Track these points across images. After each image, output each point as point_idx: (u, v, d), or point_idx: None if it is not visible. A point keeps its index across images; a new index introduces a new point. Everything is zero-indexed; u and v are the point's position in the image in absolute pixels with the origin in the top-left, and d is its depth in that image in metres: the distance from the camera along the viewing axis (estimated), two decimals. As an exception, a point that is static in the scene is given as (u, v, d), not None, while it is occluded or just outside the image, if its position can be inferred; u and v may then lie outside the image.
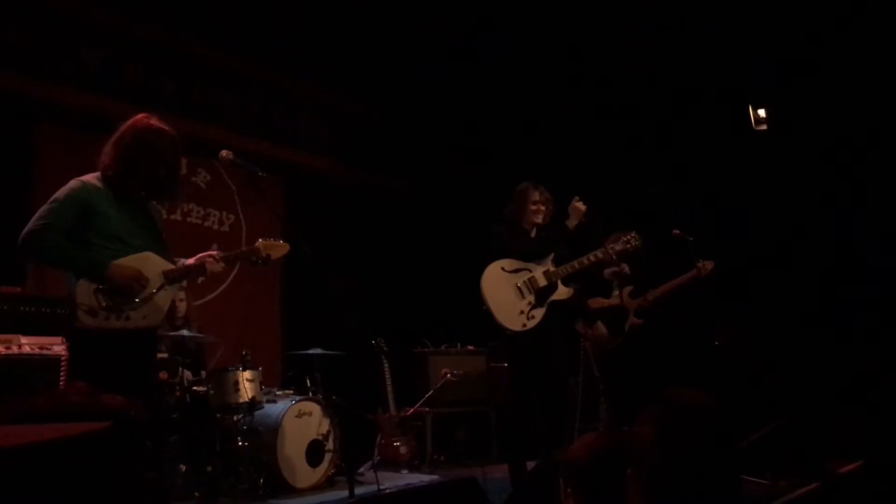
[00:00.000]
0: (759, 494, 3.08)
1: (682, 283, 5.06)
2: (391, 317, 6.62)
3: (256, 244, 3.50)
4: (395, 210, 7.56)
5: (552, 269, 4.54)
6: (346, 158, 7.40)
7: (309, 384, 5.49)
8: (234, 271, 6.30)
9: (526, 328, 4.43)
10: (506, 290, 4.47)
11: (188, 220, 6.21)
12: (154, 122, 3.18)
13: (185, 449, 4.60)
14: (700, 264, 4.88)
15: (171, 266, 3.22)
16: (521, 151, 7.15)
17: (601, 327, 5.15)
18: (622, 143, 6.74)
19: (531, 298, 4.48)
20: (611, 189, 6.06)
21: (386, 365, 6.12)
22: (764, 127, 6.23)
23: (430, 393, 6.28)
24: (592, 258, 4.55)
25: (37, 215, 3.01)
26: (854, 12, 5.56)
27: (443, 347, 6.75)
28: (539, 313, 4.47)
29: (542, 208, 4.66)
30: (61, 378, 3.93)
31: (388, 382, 6.13)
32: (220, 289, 6.30)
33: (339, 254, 6.33)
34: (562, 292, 4.56)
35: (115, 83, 5.71)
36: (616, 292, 5.15)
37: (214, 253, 3.40)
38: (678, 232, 4.79)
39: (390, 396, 6.12)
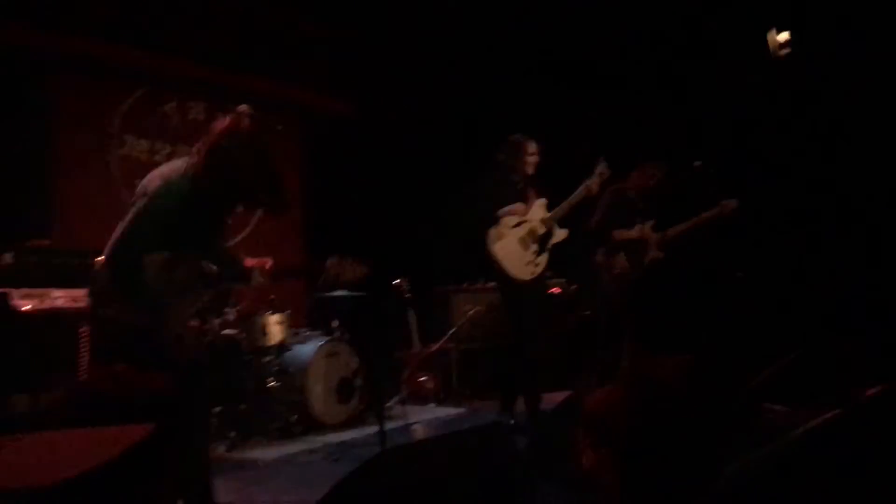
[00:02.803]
0: (780, 422, 3.13)
1: (705, 221, 5.03)
2: (412, 256, 6.64)
3: (327, 263, 3.28)
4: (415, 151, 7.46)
5: (546, 215, 4.69)
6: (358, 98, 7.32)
7: (336, 325, 5.59)
8: (255, 218, 6.33)
9: (534, 276, 4.73)
10: (512, 245, 4.72)
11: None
12: (245, 126, 2.75)
13: (218, 391, 4.73)
14: (723, 203, 4.84)
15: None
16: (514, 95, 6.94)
17: (622, 258, 5.17)
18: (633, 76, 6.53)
19: (535, 248, 4.70)
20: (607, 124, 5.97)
21: (409, 304, 6.20)
22: (787, 51, 5.98)
23: (452, 330, 6.38)
24: (578, 196, 4.69)
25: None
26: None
27: (464, 285, 6.80)
28: (543, 259, 4.79)
29: (537, 160, 4.77)
30: (83, 332, 3.91)
31: (413, 321, 6.22)
32: (242, 236, 6.33)
33: (356, 194, 6.35)
34: (559, 234, 4.83)
35: (125, 30, 5.72)
36: (638, 226, 5.16)
37: (268, 263, 3.05)
38: (699, 164, 4.73)
39: (414, 334, 6.22)
